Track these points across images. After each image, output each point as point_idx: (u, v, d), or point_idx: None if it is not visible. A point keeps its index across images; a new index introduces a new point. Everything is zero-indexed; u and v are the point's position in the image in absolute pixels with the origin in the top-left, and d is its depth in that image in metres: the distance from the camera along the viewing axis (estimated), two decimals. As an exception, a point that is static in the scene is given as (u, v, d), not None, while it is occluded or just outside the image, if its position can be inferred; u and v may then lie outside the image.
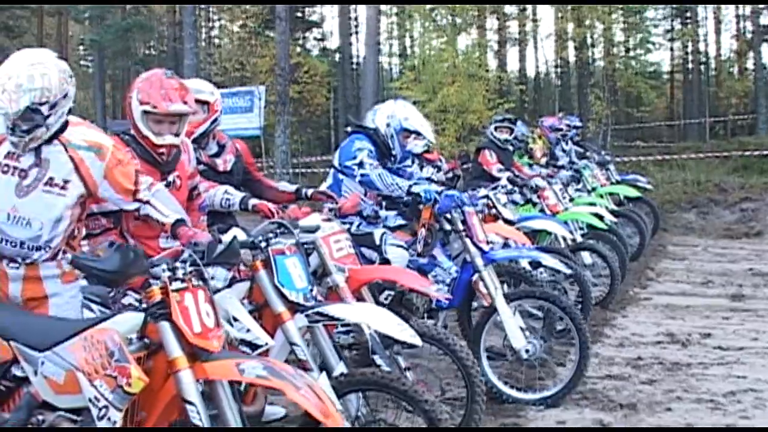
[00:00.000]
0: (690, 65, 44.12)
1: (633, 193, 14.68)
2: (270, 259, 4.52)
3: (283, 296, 4.48)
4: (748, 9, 41.61)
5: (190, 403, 3.52)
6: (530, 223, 9.23)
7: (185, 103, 5.03)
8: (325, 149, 31.48)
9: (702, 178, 21.21)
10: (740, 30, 45.90)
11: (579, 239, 10.60)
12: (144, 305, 3.73)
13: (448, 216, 7.05)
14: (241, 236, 4.56)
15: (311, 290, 4.63)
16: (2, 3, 40.33)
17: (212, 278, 4.71)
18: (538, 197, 10.55)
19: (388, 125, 7.35)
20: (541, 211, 10.39)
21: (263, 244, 4.57)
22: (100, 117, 42.24)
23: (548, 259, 7.37)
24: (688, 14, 41.22)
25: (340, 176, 7.16)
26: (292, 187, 6.50)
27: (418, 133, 7.47)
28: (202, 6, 35.76)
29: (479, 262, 6.84)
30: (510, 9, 39.51)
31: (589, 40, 30.34)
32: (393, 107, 7.53)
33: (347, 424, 4.31)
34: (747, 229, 17.58)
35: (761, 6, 35.20)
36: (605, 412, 6.37)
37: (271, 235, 4.66)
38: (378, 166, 7.03)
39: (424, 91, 23.93)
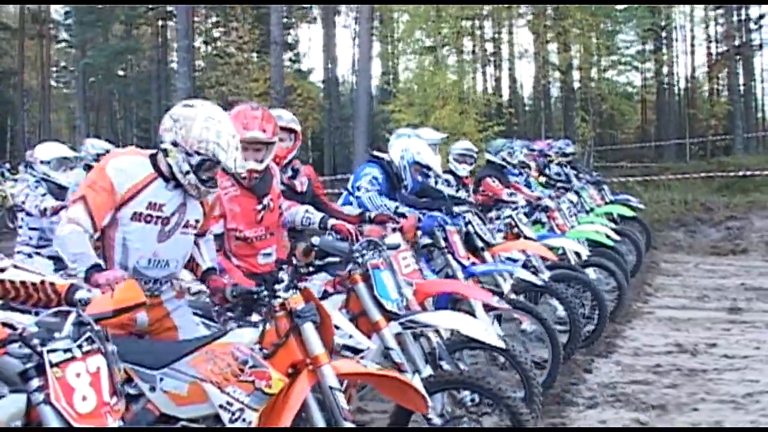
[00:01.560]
0: (665, 86, 45.06)
1: (628, 212, 15.17)
2: (369, 273, 5.10)
3: (380, 306, 5.07)
4: (719, 29, 42.79)
5: None
6: (548, 242, 9.81)
7: (263, 131, 5.56)
8: (318, 170, 32.02)
9: (688, 198, 22.00)
10: (710, 51, 47.04)
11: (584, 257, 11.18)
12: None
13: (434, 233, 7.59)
14: None
15: (402, 301, 5.22)
16: None
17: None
18: (548, 217, 11.13)
19: (402, 158, 7.98)
20: (550, 230, 10.96)
21: (360, 260, 5.14)
22: (84, 137, 42.66)
23: (522, 272, 7.97)
24: (664, 35, 42.04)
25: (351, 198, 7.86)
26: (357, 211, 7.06)
27: (429, 167, 8.12)
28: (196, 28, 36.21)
29: (460, 275, 7.39)
30: (487, 31, 40.38)
31: (575, 62, 30.95)
32: (408, 143, 8.20)
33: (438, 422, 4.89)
34: (733, 246, 18.24)
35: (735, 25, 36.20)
36: (639, 412, 7.01)
37: (365, 251, 5.24)
38: (371, 190, 7.69)
39: (417, 114, 24.50)
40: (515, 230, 9.55)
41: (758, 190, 23.46)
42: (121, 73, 49.44)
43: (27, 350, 3.11)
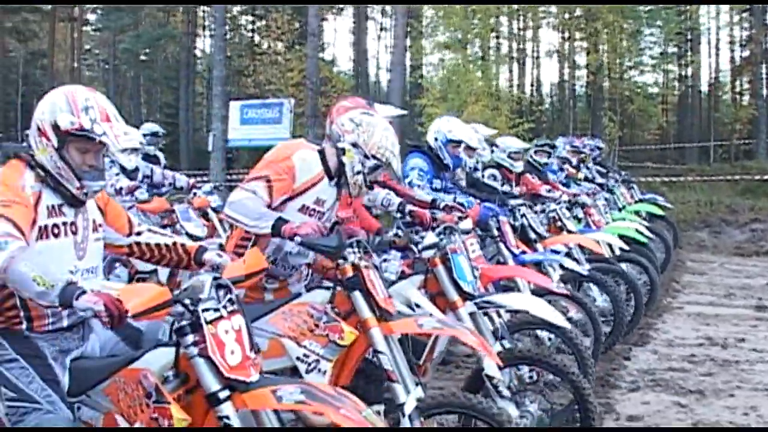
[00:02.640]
0: (689, 88, 45.36)
1: (657, 211, 15.54)
2: (448, 256, 5.62)
3: (457, 287, 5.59)
4: (744, 33, 43.04)
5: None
6: (589, 236, 10.27)
7: None
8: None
9: (713, 199, 22.49)
10: (734, 55, 47.30)
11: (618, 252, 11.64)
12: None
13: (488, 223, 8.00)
14: None
15: (476, 283, 5.74)
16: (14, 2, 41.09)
17: (385, 271, 5.84)
18: (584, 213, 11.59)
19: (435, 139, 8.47)
20: (586, 225, 11.42)
21: (442, 243, 5.66)
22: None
23: (569, 262, 8.43)
24: (689, 37, 42.29)
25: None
26: (428, 197, 7.55)
27: (463, 142, 8.58)
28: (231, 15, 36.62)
29: (511, 263, 7.85)
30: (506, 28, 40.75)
31: (605, 63, 31.31)
32: (438, 123, 8.68)
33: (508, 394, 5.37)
34: (757, 248, 18.70)
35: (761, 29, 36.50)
36: (679, 396, 7.52)
37: (443, 236, 5.75)
38: (423, 186, 8.13)
39: (449, 109, 24.82)
40: (558, 224, 10.01)
41: (782, 194, 23.94)
42: (143, 58, 49.98)
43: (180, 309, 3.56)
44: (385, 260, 6.02)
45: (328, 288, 4.88)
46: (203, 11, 47.83)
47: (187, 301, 3.53)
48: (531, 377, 6.07)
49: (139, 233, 4.39)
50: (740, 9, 43.67)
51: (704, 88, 49.54)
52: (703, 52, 49.39)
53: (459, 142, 8.50)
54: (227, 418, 3.49)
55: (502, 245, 7.96)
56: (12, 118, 46.76)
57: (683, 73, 45.95)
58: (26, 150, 3.93)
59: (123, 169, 9.88)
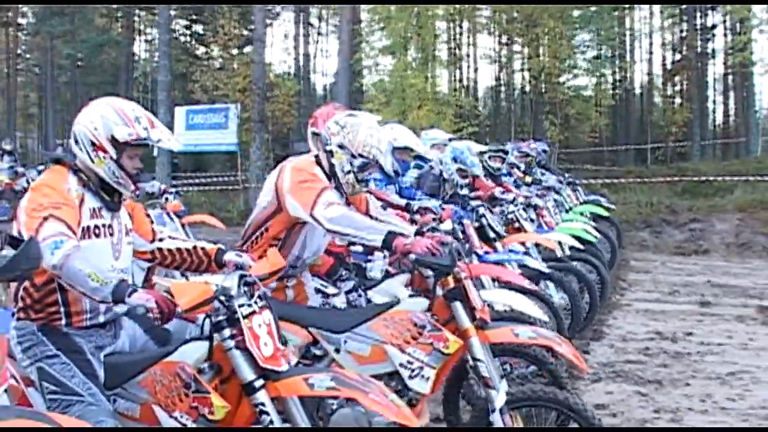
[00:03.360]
0: (623, 92, 46.28)
1: (601, 212, 15.99)
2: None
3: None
4: (676, 38, 44.04)
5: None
6: (545, 236, 10.70)
7: None
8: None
9: (654, 200, 23.16)
10: (665, 59, 48.36)
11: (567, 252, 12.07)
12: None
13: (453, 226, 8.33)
14: None
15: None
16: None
17: (371, 271, 6.18)
18: (537, 214, 12.01)
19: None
20: (539, 226, 11.83)
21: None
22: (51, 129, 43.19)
23: (530, 261, 8.85)
24: (624, 41, 43.16)
25: None
26: (402, 201, 7.89)
27: (409, 149, 8.93)
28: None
29: (476, 262, 7.99)
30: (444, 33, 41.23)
31: (545, 67, 31.88)
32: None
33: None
34: (696, 247, 19.27)
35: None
36: (640, 386, 7.99)
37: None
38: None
39: (394, 114, 25.20)
40: (516, 225, 10.41)
41: (717, 195, 24.74)
42: (80, 63, 49.72)
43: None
44: (369, 260, 6.35)
45: (426, 297, 5.26)
46: (139, 16, 47.86)
47: (222, 298, 3.82)
48: (505, 369, 6.46)
49: (161, 239, 4.70)
50: (672, 13, 44.73)
51: (638, 91, 50.68)
52: (636, 55, 50.62)
53: (405, 149, 8.84)
54: (262, 405, 3.80)
55: (467, 246, 8.31)
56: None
57: (617, 77, 46.83)
58: (66, 157, 4.21)
59: None
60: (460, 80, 48.71)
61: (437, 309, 5.22)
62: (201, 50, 46.34)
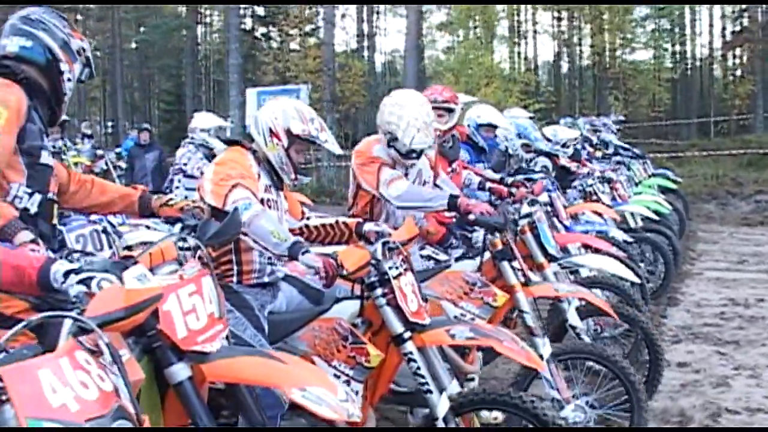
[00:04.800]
0: (687, 65, 46.26)
1: (670, 185, 16.48)
2: (535, 224, 6.58)
3: (543, 250, 6.55)
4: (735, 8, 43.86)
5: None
6: (622, 207, 11.26)
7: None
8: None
9: (719, 173, 23.53)
10: (725, 30, 48.13)
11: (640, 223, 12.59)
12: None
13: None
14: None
15: (556, 247, 6.71)
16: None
17: (475, 240, 6.83)
18: (611, 188, 12.53)
19: (468, 126, 9.20)
20: (613, 199, 12.35)
21: (529, 215, 6.60)
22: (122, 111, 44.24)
23: (615, 231, 9.41)
24: (677, 13, 43.14)
25: None
26: (497, 176, 8.49)
27: (492, 125, 9.49)
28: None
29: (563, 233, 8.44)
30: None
31: (607, 45, 32.21)
32: (468, 111, 9.43)
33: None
34: (762, 219, 19.67)
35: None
36: (718, 346, 8.56)
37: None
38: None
39: (463, 92, 25.59)
40: (594, 198, 10.96)
41: (784, 167, 24.99)
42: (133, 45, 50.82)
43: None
44: (473, 231, 6.99)
45: (473, 258, 5.99)
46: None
47: (374, 262, 4.46)
48: (596, 330, 7.10)
49: (308, 218, 5.38)
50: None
51: (699, 64, 50.52)
52: (696, 28, 50.42)
53: (488, 125, 9.42)
54: (410, 353, 4.42)
55: (555, 219, 8.90)
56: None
57: (677, 49, 46.85)
58: (244, 141, 4.98)
59: (206, 156, 10.83)
60: (525, 56, 49.04)
61: (485, 269, 5.90)
62: (260, 31, 47.08)
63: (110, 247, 6.78)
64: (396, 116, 6.02)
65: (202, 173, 10.12)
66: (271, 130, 4.88)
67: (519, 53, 46.37)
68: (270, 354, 3.62)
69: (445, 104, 7.63)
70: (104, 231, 6.83)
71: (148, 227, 9.15)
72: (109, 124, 50.72)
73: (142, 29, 43.88)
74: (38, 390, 2.24)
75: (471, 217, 5.74)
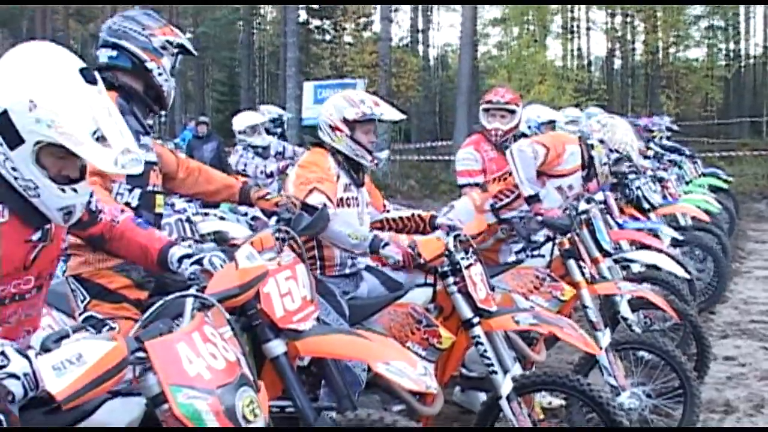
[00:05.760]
0: (740, 63, 46.03)
1: (720, 184, 16.65)
2: (591, 221, 6.97)
3: (598, 245, 6.93)
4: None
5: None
6: (672, 206, 11.56)
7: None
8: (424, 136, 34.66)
9: (771, 172, 23.72)
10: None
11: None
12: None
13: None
14: None
15: (610, 243, 7.10)
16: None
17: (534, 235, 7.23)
18: (662, 187, 12.83)
19: (528, 127, 9.52)
20: (664, 198, 12.64)
21: (586, 212, 6.99)
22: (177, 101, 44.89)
23: (667, 229, 9.64)
24: (731, 13, 43.00)
25: None
26: None
27: (553, 122, 9.82)
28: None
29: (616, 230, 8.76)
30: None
31: (660, 44, 32.31)
32: (525, 111, 9.40)
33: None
34: (814, 219, 19.87)
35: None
36: (765, 342, 8.94)
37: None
38: None
39: (516, 89, 26.07)
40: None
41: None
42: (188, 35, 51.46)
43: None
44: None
45: (542, 256, 6.47)
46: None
47: (447, 252, 4.90)
48: (646, 322, 7.49)
49: (388, 211, 5.85)
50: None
51: (753, 62, 50.22)
52: (751, 26, 50.17)
53: (549, 123, 9.77)
54: (478, 337, 4.85)
55: (608, 216, 9.26)
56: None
57: (730, 47, 46.68)
58: (323, 142, 5.41)
59: (256, 153, 11.27)
60: (577, 53, 49.12)
61: (554, 266, 6.31)
62: (314, 24, 47.64)
63: (193, 234, 7.31)
64: (630, 139, 6.94)
65: (269, 174, 10.58)
66: (331, 126, 5.33)
67: (572, 50, 46.60)
68: (356, 332, 4.11)
69: (507, 106, 7.98)
70: (188, 220, 7.36)
71: (221, 217, 9.68)
72: (163, 113, 51.35)
73: (199, 26, 44.53)
74: (177, 361, 2.72)
75: (540, 218, 6.21)
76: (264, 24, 54.41)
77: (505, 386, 4.80)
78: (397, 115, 5.56)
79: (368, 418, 3.75)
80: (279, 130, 13.38)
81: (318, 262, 5.27)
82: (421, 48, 41.46)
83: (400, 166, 26.66)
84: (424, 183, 25.11)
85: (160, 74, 4.51)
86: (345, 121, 5.29)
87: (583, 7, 45.21)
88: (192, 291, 3.06)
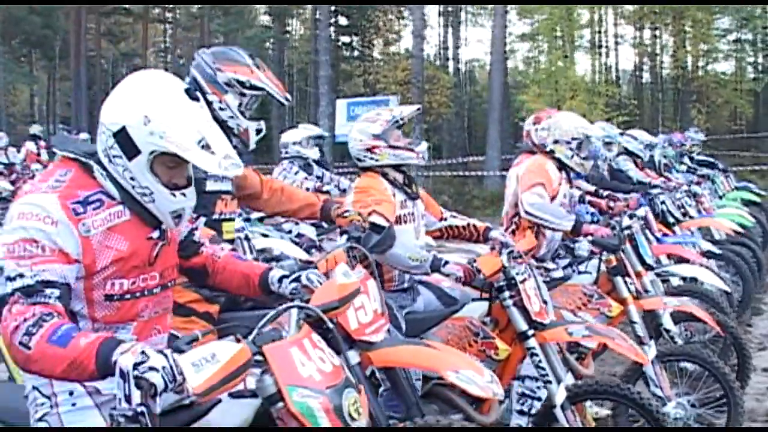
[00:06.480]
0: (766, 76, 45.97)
1: (753, 197, 16.75)
2: (634, 236, 7.21)
3: (641, 260, 7.18)
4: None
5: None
6: (707, 220, 11.77)
7: None
8: (454, 150, 34.85)
9: (804, 186, 23.67)
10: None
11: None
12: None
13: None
14: None
15: (652, 257, 7.35)
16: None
17: (579, 249, 7.47)
18: (696, 201, 13.02)
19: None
20: (698, 212, 12.83)
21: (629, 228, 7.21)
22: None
23: (704, 243, 9.87)
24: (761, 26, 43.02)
25: None
26: (591, 188, 9.16)
27: (586, 135, 10.03)
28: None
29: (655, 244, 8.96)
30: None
31: (690, 58, 32.44)
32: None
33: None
34: None
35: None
36: (802, 354, 9.11)
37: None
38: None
39: (548, 104, 26.27)
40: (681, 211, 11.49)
41: None
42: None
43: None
44: (576, 241, 7.62)
45: (589, 272, 6.67)
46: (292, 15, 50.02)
47: (503, 268, 5.15)
48: (687, 335, 7.73)
49: (445, 218, 6.12)
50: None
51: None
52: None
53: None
54: (533, 348, 5.09)
55: (647, 231, 9.49)
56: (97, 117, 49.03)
57: (759, 59, 46.64)
58: (374, 165, 5.71)
59: (302, 167, 11.59)
60: (605, 67, 49.19)
61: (601, 282, 6.51)
62: (342, 40, 48.10)
63: (251, 252, 7.61)
64: (578, 121, 7.22)
65: (300, 186, 10.84)
66: (367, 149, 5.66)
67: (601, 64, 46.71)
68: (425, 343, 4.39)
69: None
70: (246, 238, 7.66)
71: (264, 234, 9.96)
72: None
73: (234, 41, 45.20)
74: (292, 364, 3.04)
75: (589, 238, 6.41)
76: (292, 41, 54.90)
77: (559, 395, 5.04)
78: (412, 108, 5.91)
79: (437, 424, 4.00)
80: (317, 148, 13.61)
81: (377, 278, 5.54)
82: (451, 64, 42.03)
83: (433, 182, 26.97)
84: (457, 198, 25.39)
85: (222, 109, 4.71)
86: (376, 137, 5.62)
87: (611, 21, 45.57)
88: (296, 303, 3.37)
